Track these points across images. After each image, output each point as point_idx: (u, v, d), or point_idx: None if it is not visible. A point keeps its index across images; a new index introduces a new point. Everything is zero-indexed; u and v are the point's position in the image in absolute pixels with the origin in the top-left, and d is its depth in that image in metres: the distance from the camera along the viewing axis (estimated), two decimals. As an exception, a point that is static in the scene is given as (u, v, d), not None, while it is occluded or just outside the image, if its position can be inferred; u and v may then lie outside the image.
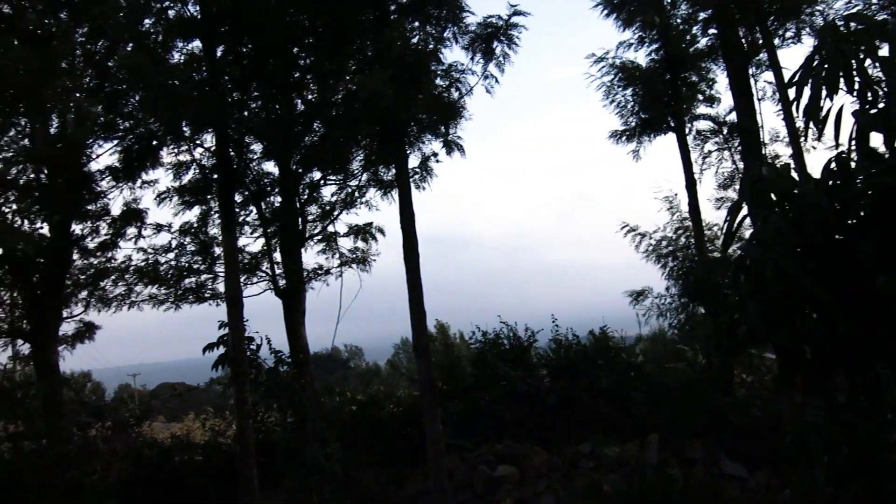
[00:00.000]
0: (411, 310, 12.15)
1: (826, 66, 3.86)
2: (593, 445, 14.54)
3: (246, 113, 14.27)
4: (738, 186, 17.33)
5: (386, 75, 10.39)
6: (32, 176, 14.97)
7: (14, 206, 14.66)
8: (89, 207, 15.57)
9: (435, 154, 13.83)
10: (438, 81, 12.43)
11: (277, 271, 15.65)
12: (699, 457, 14.02)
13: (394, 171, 14.15)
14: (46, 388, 14.36)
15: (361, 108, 12.09)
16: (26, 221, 14.62)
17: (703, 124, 17.90)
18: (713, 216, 33.32)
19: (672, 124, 17.10)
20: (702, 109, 17.81)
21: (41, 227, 14.70)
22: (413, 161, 13.83)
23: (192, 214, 15.89)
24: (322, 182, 16.02)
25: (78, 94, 9.99)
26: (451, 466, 13.52)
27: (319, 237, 16.36)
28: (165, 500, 14.03)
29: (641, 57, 18.52)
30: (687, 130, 17.35)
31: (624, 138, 17.63)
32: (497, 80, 12.45)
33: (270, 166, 15.99)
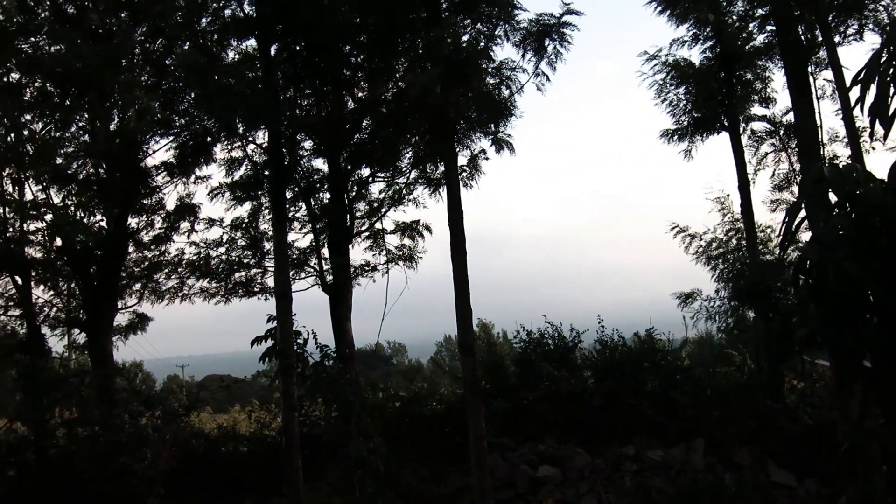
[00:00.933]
0: (457, 307, 12.17)
1: (894, 62, 3.75)
2: (637, 448, 14.39)
3: (298, 111, 14.45)
4: (795, 188, 16.99)
5: (435, 73, 10.42)
6: (91, 171, 15.46)
7: (74, 200, 15.14)
8: (145, 202, 16.01)
9: (484, 151, 13.85)
10: (489, 79, 12.42)
11: (325, 267, 15.87)
12: (746, 463, 13.76)
13: (442, 168, 14.22)
14: (101, 376, 14.82)
15: (411, 106, 12.15)
16: (85, 215, 15.08)
17: (758, 125, 17.56)
18: (766, 218, 32.62)
19: (726, 123, 16.80)
20: (757, 110, 17.48)
21: (99, 221, 15.15)
22: (461, 159, 13.88)
23: (243, 210, 16.21)
24: (370, 179, 16.17)
25: (138, 91, 10.29)
26: (492, 465, 13.51)
27: (367, 234, 16.53)
28: (211, 489, 14.34)
29: (695, 55, 18.25)
30: (741, 130, 17.03)
31: (675, 137, 17.39)
32: (548, 78, 12.38)
33: (320, 163, 16.23)
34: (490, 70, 12.40)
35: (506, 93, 12.66)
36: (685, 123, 17.15)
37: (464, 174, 14.53)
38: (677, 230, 17.99)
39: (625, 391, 14.98)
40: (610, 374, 15.52)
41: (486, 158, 14.30)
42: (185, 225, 16.23)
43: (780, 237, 4.75)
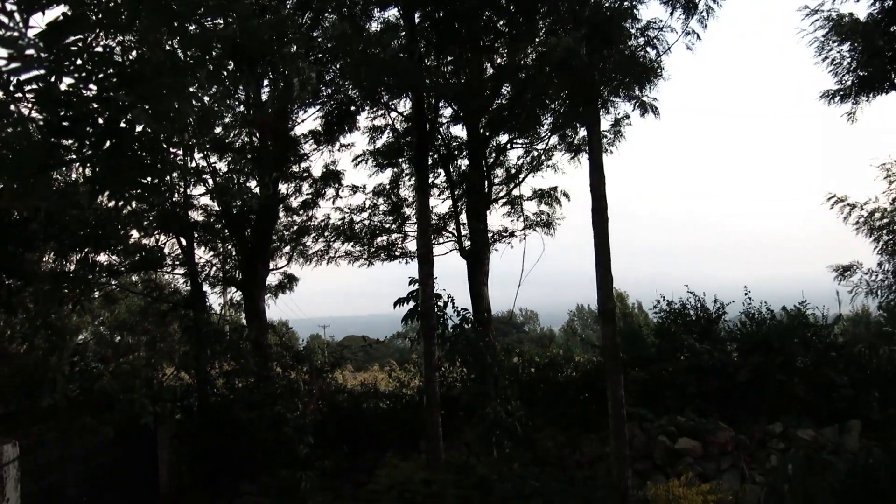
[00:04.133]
0: (598, 273, 12.02)
1: None
2: (785, 426, 13.76)
3: (439, 78, 14.64)
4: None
5: (579, 35, 10.20)
6: (246, 139, 16.42)
7: (231, 167, 16.16)
8: (294, 169, 16.84)
9: (627, 116, 13.49)
10: (634, 40, 12.03)
11: (463, 233, 16.12)
12: (909, 449, 12.81)
13: (583, 133, 13.98)
14: (255, 332, 15.89)
15: (553, 70, 11.98)
16: (241, 181, 16.07)
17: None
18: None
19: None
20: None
21: (254, 187, 16.12)
22: (604, 123, 13.60)
23: (385, 177, 16.72)
24: (508, 145, 16.19)
25: (301, 62, 10.80)
26: (630, 435, 13.35)
27: (504, 200, 16.61)
28: (354, 441, 15.10)
29: (862, 9, 16.75)
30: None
31: (837, 99, 16.08)
32: (699, 37, 11.83)
33: (458, 130, 16.41)
34: (635, 30, 12.01)
35: (652, 54, 12.25)
36: (849, 83, 15.80)
37: (604, 139, 14.24)
38: (835, 199, 16.74)
39: (773, 366, 14.30)
40: (756, 349, 14.85)
41: (629, 124, 13.93)
42: (330, 191, 16.99)
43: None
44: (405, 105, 15.42)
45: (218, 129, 15.35)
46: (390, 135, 16.08)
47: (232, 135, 16.00)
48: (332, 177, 16.81)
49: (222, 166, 15.51)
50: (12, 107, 3.22)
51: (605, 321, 12.18)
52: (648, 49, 12.14)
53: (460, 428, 14.77)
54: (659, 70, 12.23)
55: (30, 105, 3.25)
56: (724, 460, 13.48)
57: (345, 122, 16.26)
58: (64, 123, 3.32)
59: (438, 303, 13.19)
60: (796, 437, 13.44)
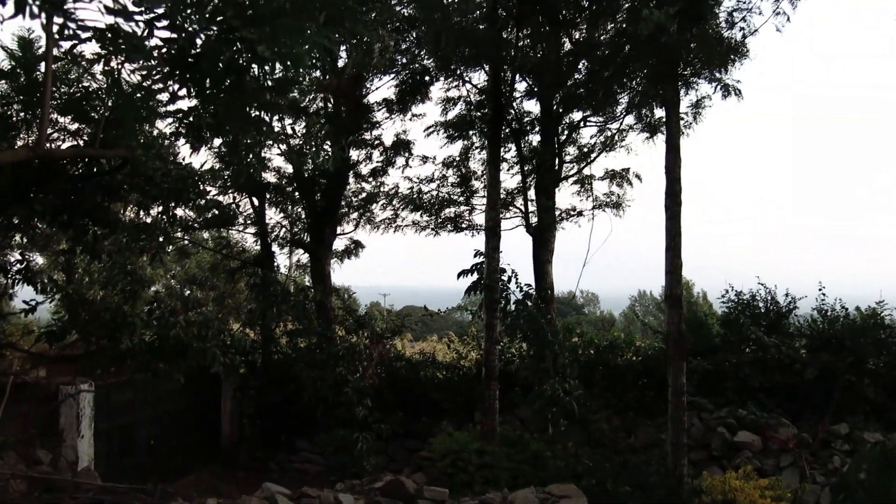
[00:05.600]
0: (667, 257, 11.82)
1: None
2: (851, 428, 13.36)
3: (515, 52, 14.50)
4: None
5: (672, 11, 9.93)
6: (321, 105, 16.62)
7: (305, 131, 16.38)
8: (365, 136, 16.98)
9: (708, 97, 13.13)
10: (721, 20, 11.69)
11: (531, 209, 16.03)
12: None
13: (659, 112, 13.68)
14: (320, 294, 16.20)
15: (635, 47, 11.74)
16: (314, 145, 16.29)
17: None
18: None
19: None
20: None
21: (327, 152, 16.32)
22: (682, 105, 13.26)
23: (455, 149, 16.70)
24: (582, 123, 15.97)
25: (382, 29, 10.80)
26: (687, 424, 13.17)
27: (575, 178, 16.43)
28: (410, 408, 15.33)
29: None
30: None
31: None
32: (788, 19, 11.41)
33: (531, 105, 16.24)
34: (725, 10, 11.66)
35: (738, 35, 11.88)
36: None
37: (682, 121, 13.90)
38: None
39: (842, 366, 13.86)
40: (827, 346, 14.40)
41: (710, 105, 13.56)
42: (400, 160, 17.08)
43: None
44: (480, 77, 15.36)
45: (294, 93, 15.56)
46: (463, 107, 16.04)
47: (307, 99, 16.20)
48: (402, 146, 16.89)
49: (297, 129, 15.74)
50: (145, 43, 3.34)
51: (671, 306, 11.99)
52: (735, 30, 11.81)
53: (516, 403, 14.82)
54: (745, 51, 11.88)
55: (160, 41, 3.37)
56: (785, 458, 13.19)
57: (418, 91, 16.27)
58: (189, 60, 3.42)
59: (502, 277, 13.21)
60: (863, 439, 13.03)
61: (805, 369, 14.02)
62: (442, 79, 15.87)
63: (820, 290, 15.17)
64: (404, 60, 16.15)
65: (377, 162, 17.17)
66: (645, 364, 15.34)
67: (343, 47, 15.53)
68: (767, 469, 12.93)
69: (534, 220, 15.87)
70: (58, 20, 3.32)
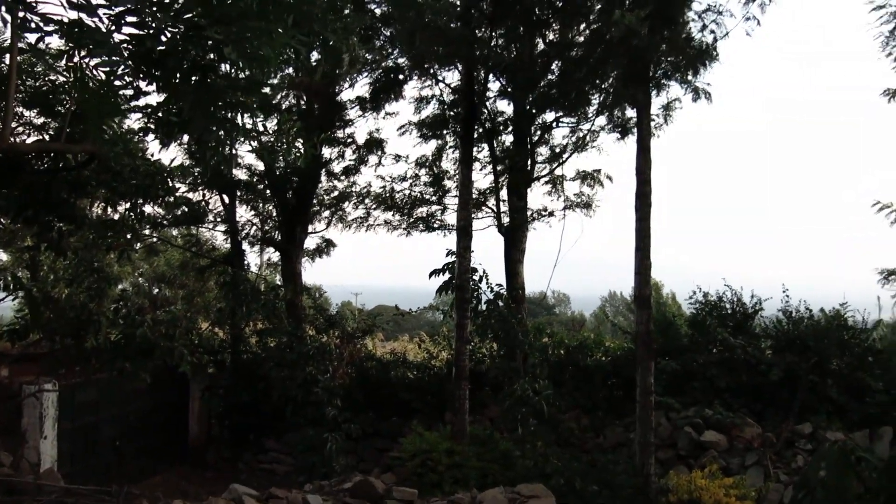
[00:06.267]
0: (636, 258, 11.95)
1: None
2: (814, 427, 13.61)
3: (488, 51, 14.52)
4: None
5: (643, 13, 10.04)
6: (293, 102, 16.49)
7: (276, 128, 16.24)
8: (338, 134, 16.89)
9: (678, 99, 13.29)
10: (692, 24, 11.83)
11: (502, 209, 16.07)
12: (942, 460, 12.58)
13: (630, 114, 13.81)
14: (290, 293, 16.09)
15: (607, 48, 11.83)
16: (286, 143, 16.16)
17: None
18: None
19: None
20: None
21: (298, 149, 16.21)
22: (653, 106, 13.40)
23: (428, 148, 16.69)
24: (555, 124, 16.05)
25: (354, 38, 10.74)
26: (655, 423, 13.33)
27: (546, 179, 16.51)
28: (380, 407, 15.30)
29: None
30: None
31: (897, 97, 15.65)
32: (759, 23, 11.59)
33: (504, 105, 16.29)
34: (696, 14, 11.81)
35: (709, 38, 12.04)
36: (910, 82, 15.38)
37: (652, 122, 14.06)
38: (880, 206, 16.34)
39: (807, 366, 14.12)
40: (791, 347, 14.66)
41: (680, 107, 13.72)
42: (373, 158, 17.04)
43: None
44: (453, 77, 15.35)
45: (266, 90, 15.41)
46: (436, 106, 16.04)
47: (279, 96, 16.07)
48: (375, 144, 16.85)
49: (268, 126, 15.60)
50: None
51: (640, 307, 12.12)
52: (706, 33, 11.96)
53: (485, 403, 14.87)
54: (715, 54, 12.03)
55: (126, 38, 3.32)
56: (750, 456, 13.42)
57: (391, 90, 16.23)
58: (154, 57, 3.38)
59: (474, 277, 13.23)
60: (825, 438, 13.28)
61: (770, 370, 14.24)
62: (415, 77, 15.84)
63: (784, 291, 15.44)
64: (377, 59, 16.10)
65: (350, 160, 17.13)
66: (614, 364, 15.47)
67: (315, 50, 15.48)
68: (733, 468, 13.13)
69: (506, 220, 15.92)
70: (20, 13, 3.28)
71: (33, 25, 3.43)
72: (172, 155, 20.36)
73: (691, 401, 14.39)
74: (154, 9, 3.25)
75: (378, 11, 14.32)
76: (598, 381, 15.32)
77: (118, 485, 8.44)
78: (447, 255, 13.01)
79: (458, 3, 12.89)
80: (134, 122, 8.12)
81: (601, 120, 15.79)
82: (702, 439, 13.59)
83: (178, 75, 3.45)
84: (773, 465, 13.22)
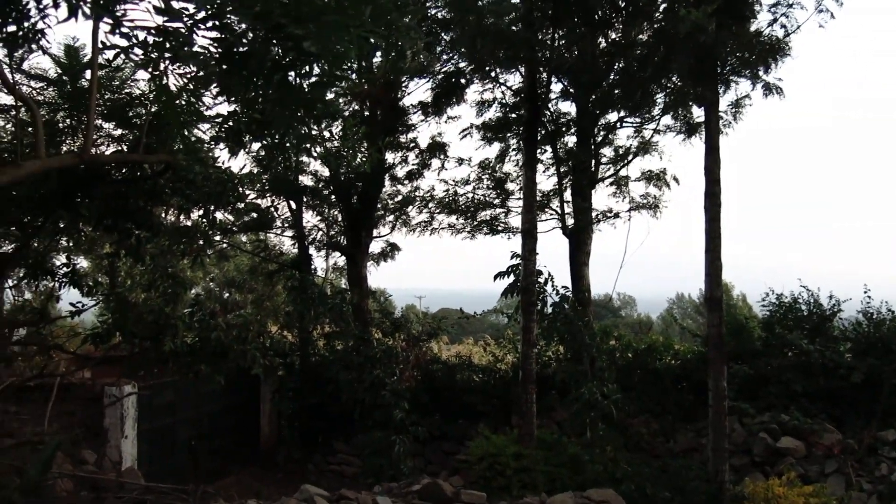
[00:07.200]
0: (707, 259, 11.66)
1: None
2: (900, 434, 13.01)
3: (551, 53, 14.43)
4: None
5: (709, 10, 9.80)
6: (356, 108, 16.71)
7: (340, 135, 16.51)
8: (401, 139, 17.03)
9: (748, 96, 12.92)
10: (761, 17, 11.50)
11: (566, 210, 15.93)
12: None
13: (697, 112, 13.50)
14: (357, 296, 16.28)
15: (673, 46, 11.59)
16: (350, 149, 16.41)
17: None
18: None
19: None
20: None
21: (362, 155, 16.43)
22: (721, 104, 13.07)
23: (490, 151, 16.68)
24: (618, 124, 15.83)
25: (414, 33, 10.78)
26: (728, 429, 12.97)
27: (611, 180, 16.29)
28: (446, 410, 15.32)
29: None
30: None
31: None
32: (832, 15, 11.16)
33: (567, 106, 16.15)
34: (766, 6, 11.46)
35: (780, 32, 11.67)
36: None
37: (721, 120, 13.70)
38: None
39: (889, 370, 13.52)
40: (873, 350, 14.06)
41: (750, 104, 13.33)
42: (435, 162, 17.12)
43: None
44: (515, 79, 15.32)
45: (329, 95, 15.66)
46: (498, 109, 16.02)
47: (342, 102, 16.30)
48: (437, 148, 16.92)
49: (333, 131, 15.88)
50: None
51: (711, 309, 11.81)
52: (776, 26, 11.60)
53: (552, 407, 14.72)
54: (787, 49, 11.66)
55: (209, 41, 3.43)
56: (829, 464, 12.91)
57: (453, 94, 16.25)
58: (236, 59, 3.48)
59: (539, 279, 13.14)
60: (911, 445, 12.71)
61: (850, 373, 13.70)
62: (477, 81, 15.86)
63: (865, 292, 14.81)
64: (438, 63, 16.18)
65: (413, 164, 17.23)
66: (683, 368, 15.15)
67: (377, 51, 15.66)
68: (812, 476, 12.66)
69: (570, 222, 15.77)
70: (108, 23, 3.41)
71: (125, 31, 3.55)
72: (241, 163, 20.95)
73: (766, 406, 13.98)
74: (235, 10, 3.34)
75: (439, 15, 14.41)
76: (668, 384, 15.03)
77: (194, 484, 8.69)
78: (511, 257, 12.95)
79: (520, 5, 12.83)
80: (206, 131, 8.40)
81: (666, 120, 15.52)
82: (778, 446, 13.16)
83: (258, 76, 3.54)
84: (855, 473, 12.68)
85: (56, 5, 3.56)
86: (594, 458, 12.08)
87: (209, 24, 3.38)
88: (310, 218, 17.25)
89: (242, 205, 10.70)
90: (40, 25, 3.94)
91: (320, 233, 17.37)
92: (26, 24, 3.97)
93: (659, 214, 16.50)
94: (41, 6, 3.68)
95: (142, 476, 10.08)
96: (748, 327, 15.71)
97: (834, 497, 11.58)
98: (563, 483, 11.40)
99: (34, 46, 4.28)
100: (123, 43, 3.66)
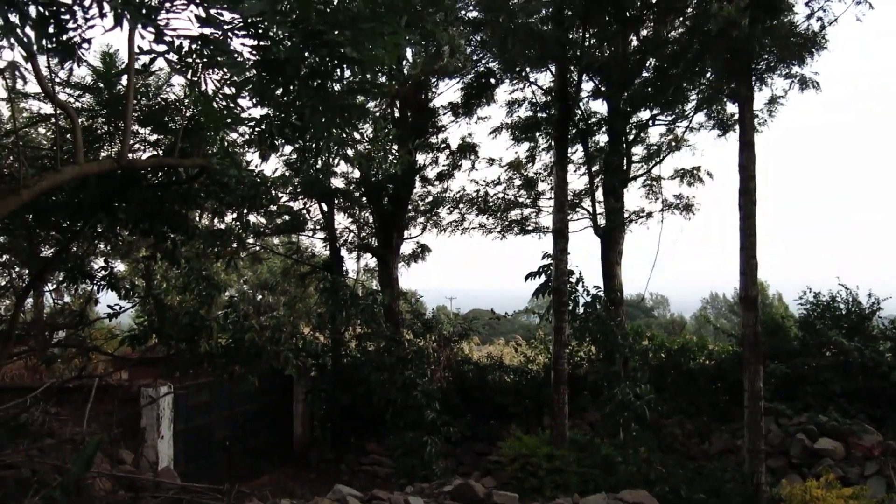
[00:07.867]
0: (742, 258, 11.49)
1: None
2: (943, 435, 12.70)
3: (580, 51, 14.34)
4: None
5: (742, 4, 9.67)
6: (387, 109, 16.78)
7: (370, 136, 16.58)
8: (431, 140, 17.07)
9: (784, 92, 12.70)
10: (796, 11, 11.29)
11: (598, 210, 15.83)
12: None
13: (731, 109, 13.31)
14: (388, 297, 16.34)
15: (706, 43, 11.45)
16: (380, 150, 16.47)
17: None
18: None
19: None
20: None
21: (392, 156, 16.49)
22: (756, 100, 12.88)
23: (521, 151, 16.65)
24: (650, 122, 15.67)
25: (452, 28, 10.77)
26: (764, 429, 12.78)
27: (643, 179, 16.14)
28: (477, 410, 15.31)
29: None
30: None
31: None
32: (871, 6, 10.91)
33: (598, 105, 16.05)
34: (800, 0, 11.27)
35: (816, 25, 11.46)
36: None
37: (755, 117, 13.49)
38: None
39: (932, 370, 13.21)
40: (914, 349, 13.76)
41: (785, 101, 13.10)
42: (466, 163, 17.13)
43: None
44: (545, 78, 15.30)
45: (359, 97, 15.74)
46: (528, 108, 15.98)
47: (373, 105, 16.39)
48: (468, 149, 16.92)
49: (364, 133, 15.95)
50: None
51: (746, 308, 11.63)
52: (812, 20, 11.39)
53: (584, 407, 14.64)
54: (823, 42, 11.45)
55: (249, 48, 3.49)
56: (869, 466, 12.64)
57: (483, 94, 16.26)
58: (275, 65, 3.52)
59: (570, 279, 13.07)
60: (955, 447, 12.39)
61: (890, 373, 13.42)
62: (507, 81, 15.84)
63: (906, 290, 14.51)
64: (469, 64, 16.17)
65: (443, 165, 17.28)
66: (718, 368, 14.95)
67: (410, 51, 15.72)
68: (851, 478, 12.42)
69: (602, 221, 15.66)
70: (150, 32, 3.47)
71: (168, 39, 3.61)
72: (273, 166, 21.17)
73: (803, 406, 13.74)
74: (276, 18, 3.38)
75: (469, 16, 14.41)
76: (702, 385, 14.85)
77: (229, 484, 8.79)
78: (543, 257, 12.92)
79: (550, 4, 12.78)
80: (239, 136, 8.48)
81: (699, 117, 15.32)
82: (816, 447, 12.92)
83: (297, 82, 3.58)
84: (898, 475, 12.40)
85: (103, 15, 3.64)
86: (627, 460, 11.97)
87: (248, 31, 3.42)
88: (341, 220, 17.44)
89: (275, 208, 10.77)
90: (88, 35, 4.03)
91: (351, 234, 17.53)
92: (75, 34, 4.06)
93: (692, 215, 16.31)
94: (87, 16, 3.76)
95: (178, 476, 10.22)
96: (784, 326, 15.46)
97: (874, 499, 11.32)
98: (595, 484, 11.32)
99: (81, 55, 4.36)
100: (160, 48, 3.74)
